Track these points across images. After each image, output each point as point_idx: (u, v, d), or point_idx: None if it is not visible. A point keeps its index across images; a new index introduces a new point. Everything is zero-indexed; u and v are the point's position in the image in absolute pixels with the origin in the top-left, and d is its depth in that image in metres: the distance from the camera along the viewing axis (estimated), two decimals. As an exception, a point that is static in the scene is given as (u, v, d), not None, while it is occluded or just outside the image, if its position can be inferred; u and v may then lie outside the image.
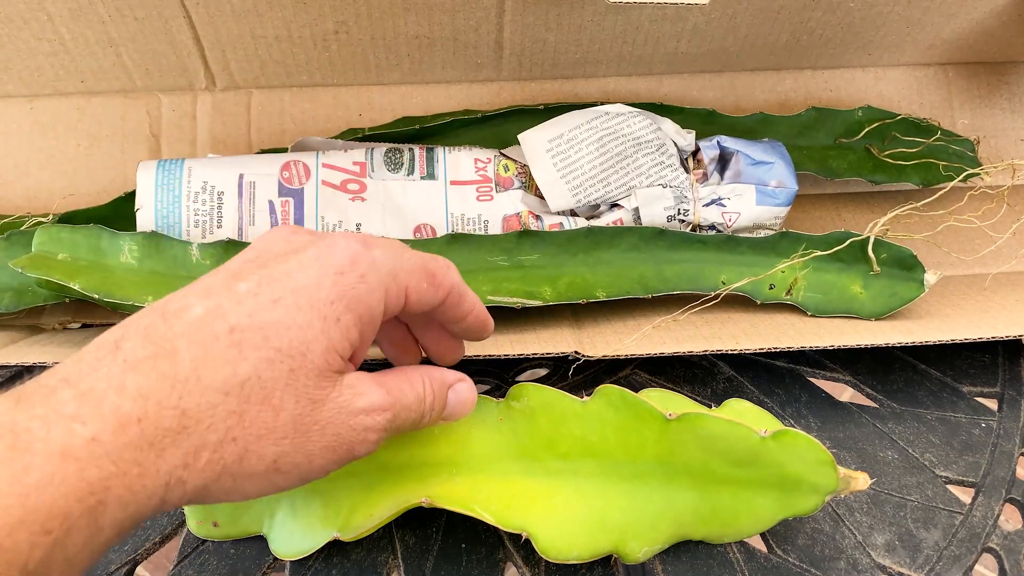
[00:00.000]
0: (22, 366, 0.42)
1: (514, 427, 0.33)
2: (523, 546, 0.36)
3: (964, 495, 0.38)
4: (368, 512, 0.32)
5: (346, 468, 0.28)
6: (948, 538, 0.37)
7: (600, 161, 0.43)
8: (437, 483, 0.32)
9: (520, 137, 0.44)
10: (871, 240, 0.41)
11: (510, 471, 0.33)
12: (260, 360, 0.23)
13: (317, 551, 0.34)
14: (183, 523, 0.35)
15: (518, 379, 0.43)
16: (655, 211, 0.43)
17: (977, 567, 0.36)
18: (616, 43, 0.48)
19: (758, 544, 0.36)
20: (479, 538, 0.36)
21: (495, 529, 0.36)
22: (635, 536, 0.32)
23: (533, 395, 0.33)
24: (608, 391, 0.32)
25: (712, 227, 0.44)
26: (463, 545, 0.36)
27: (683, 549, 0.35)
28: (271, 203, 0.42)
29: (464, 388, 0.30)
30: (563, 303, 0.40)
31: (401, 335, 0.34)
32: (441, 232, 0.42)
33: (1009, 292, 0.44)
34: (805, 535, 0.36)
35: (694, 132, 0.45)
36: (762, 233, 0.44)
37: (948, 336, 0.39)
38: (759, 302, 0.42)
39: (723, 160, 0.45)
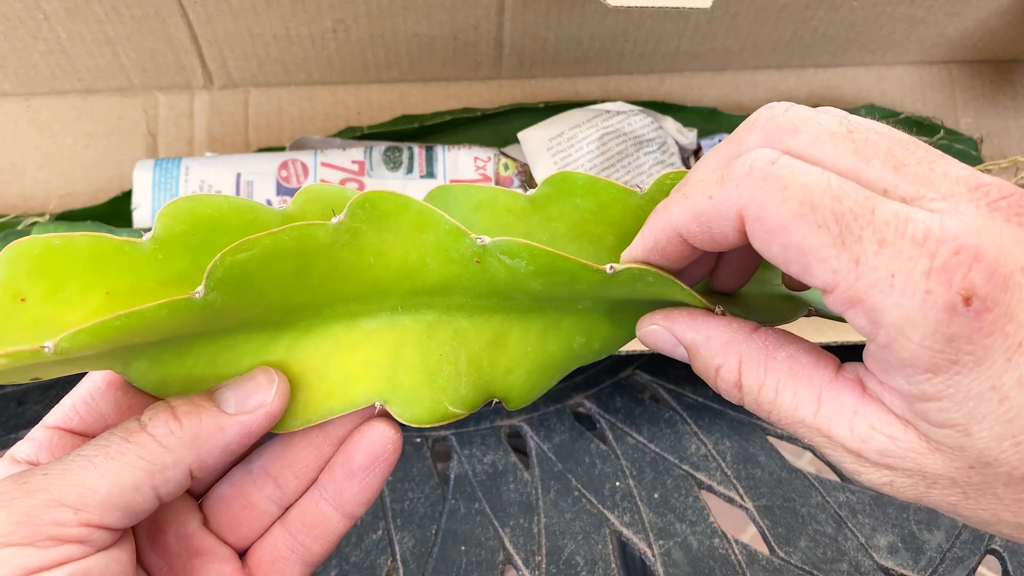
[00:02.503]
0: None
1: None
2: (522, 548, 0.36)
3: (968, 497, 0.38)
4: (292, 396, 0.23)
5: (241, 310, 0.21)
6: (951, 540, 0.36)
7: (601, 159, 0.43)
8: (376, 332, 0.23)
9: (520, 135, 0.43)
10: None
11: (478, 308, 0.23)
12: None
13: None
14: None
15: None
16: (656, 210, 0.43)
17: (980, 568, 0.36)
18: (617, 41, 0.48)
19: (759, 546, 0.36)
20: (479, 541, 0.36)
21: (496, 531, 0.36)
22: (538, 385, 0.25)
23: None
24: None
25: (714, 226, 0.43)
26: (463, 547, 0.36)
27: (684, 549, 0.35)
28: (269, 202, 0.42)
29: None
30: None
31: None
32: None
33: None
34: (807, 537, 0.36)
35: (696, 130, 0.45)
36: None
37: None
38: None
39: (725, 159, 0.44)
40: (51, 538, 0.18)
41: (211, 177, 0.42)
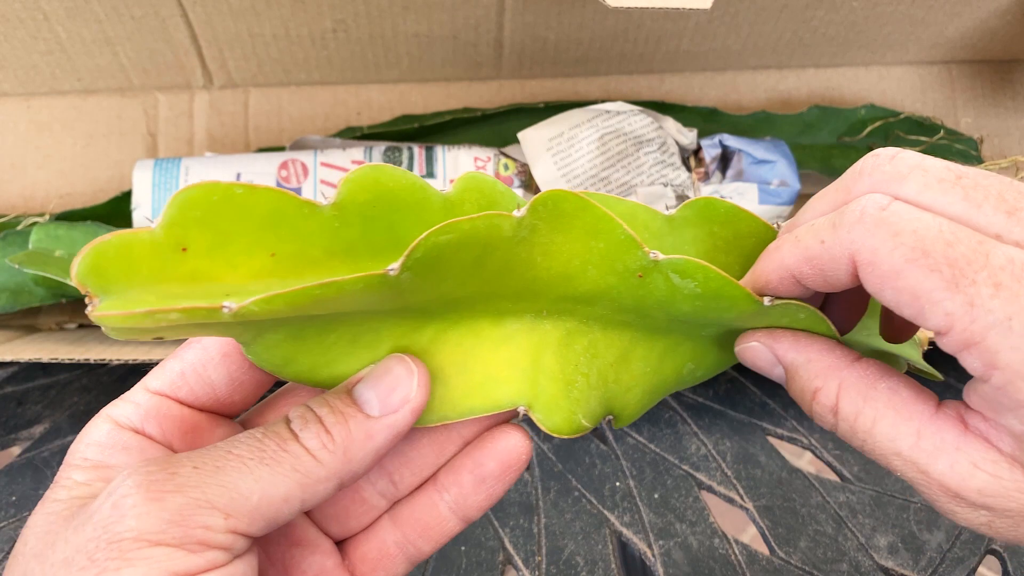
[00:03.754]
0: (17, 362, 0.42)
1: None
2: (522, 548, 0.36)
3: (968, 497, 0.38)
4: (443, 393, 0.22)
5: (395, 296, 0.20)
6: (951, 540, 0.36)
7: (601, 160, 0.43)
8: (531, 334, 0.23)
9: (520, 135, 0.43)
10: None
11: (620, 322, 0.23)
12: None
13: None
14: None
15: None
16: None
17: (980, 569, 0.36)
18: (617, 41, 0.48)
19: (760, 546, 0.36)
20: (479, 541, 0.36)
21: (496, 531, 0.36)
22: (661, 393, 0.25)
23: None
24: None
25: (714, 226, 0.43)
26: (462, 548, 0.36)
27: (684, 549, 0.35)
28: (269, 202, 0.42)
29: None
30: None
31: None
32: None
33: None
34: (807, 537, 0.36)
35: (696, 130, 0.45)
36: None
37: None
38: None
39: (725, 159, 0.44)
40: (199, 542, 0.17)
41: (211, 177, 0.42)
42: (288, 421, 0.20)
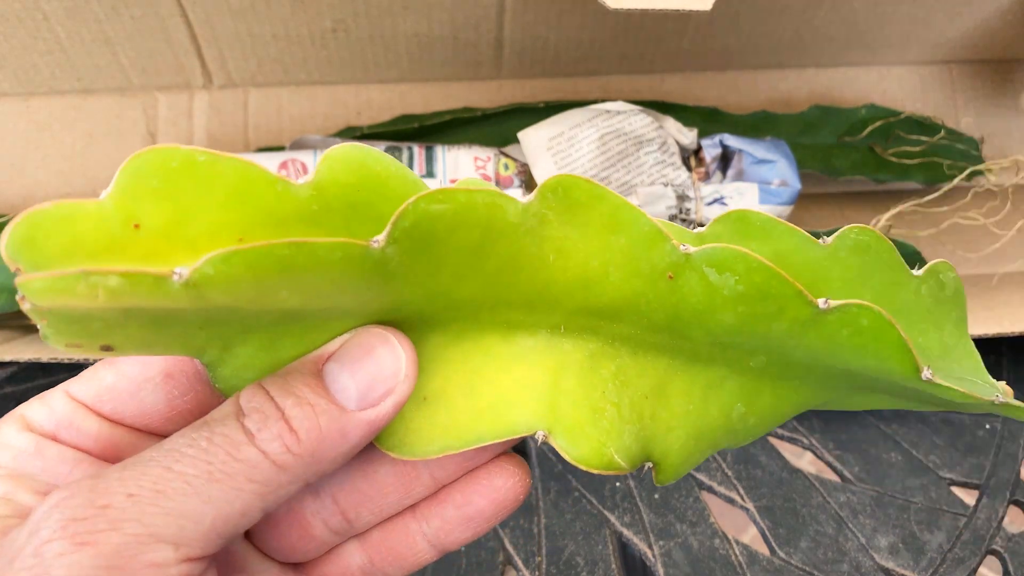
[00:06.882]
0: (16, 362, 0.42)
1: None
2: (522, 549, 0.36)
3: (968, 497, 0.38)
4: (433, 422, 0.19)
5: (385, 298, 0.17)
6: (952, 540, 0.36)
7: (601, 159, 0.43)
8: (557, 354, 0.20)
9: (520, 135, 0.43)
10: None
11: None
12: None
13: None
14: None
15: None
16: (657, 210, 0.43)
17: (981, 569, 0.36)
18: (617, 41, 0.48)
19: (760, 547, 0.36)
20: (479, 541, 0.36)
21: (496, 531, 0.36)
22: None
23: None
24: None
25: (714, 226, 0.43)
26: (462, 548, 0.36)
27: (684, 550, 0.35)
28: (269, 202, 0.42)
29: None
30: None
31: None
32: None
33: (1015, 290, 0.44)
34: (808, 537, 0.36)
35: (696, 130, 0.45)
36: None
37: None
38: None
39: (725, 158, 0.44)
40: None
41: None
42: (240, 414, 0.16)
